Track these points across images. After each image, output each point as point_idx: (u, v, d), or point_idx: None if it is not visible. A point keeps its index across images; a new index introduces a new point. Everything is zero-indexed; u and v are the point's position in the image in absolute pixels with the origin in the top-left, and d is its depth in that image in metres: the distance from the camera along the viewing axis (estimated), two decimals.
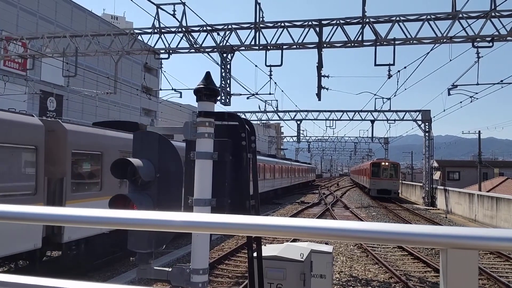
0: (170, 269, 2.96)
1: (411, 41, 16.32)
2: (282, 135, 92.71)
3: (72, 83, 23.56)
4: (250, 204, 3.20)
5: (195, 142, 3.00)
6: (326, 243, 8.02)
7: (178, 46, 18.83)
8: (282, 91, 28.65)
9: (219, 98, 17.79)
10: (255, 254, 3.37)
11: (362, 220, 23.09)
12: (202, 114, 2.96)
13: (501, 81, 18.58)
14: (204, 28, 18.32)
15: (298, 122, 42.45)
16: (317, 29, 17.10)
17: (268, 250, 5.62)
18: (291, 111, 40.60)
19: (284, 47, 17.70)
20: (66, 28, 35.73)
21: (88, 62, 36.36)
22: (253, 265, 3.29)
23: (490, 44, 15.66)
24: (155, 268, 3.05)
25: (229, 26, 18.23)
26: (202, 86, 2.99)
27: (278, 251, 5.51)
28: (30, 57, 22.96)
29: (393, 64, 16.49)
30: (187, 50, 18.97)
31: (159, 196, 3.04)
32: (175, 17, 17.14)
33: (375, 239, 1.27)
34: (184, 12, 17.58)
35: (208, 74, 3.08)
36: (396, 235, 1.21)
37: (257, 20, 17.56)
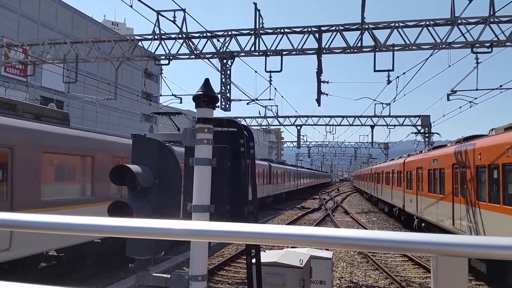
0: (169, 276, 2.96)
1: (410, 47, 16.35)
2: (282, 141, 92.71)
3: (72, 89, 23.60)
4: (249, 210, 3.20)
5: (194, 148, 3.00)
6: (326, 249, 8.00)
7: (179, 52, 18.88)
8: (282, 96, 28.68)
9: (218, 104, 17.84)
10: (254, 261, 3.37)
11: (364, 227, 23.05)
12: (201, 120, 2.97)
13: (501, 86, 18.59)
14: (204, 35, 18.37)
15: (298, 128, 42.51)
16: (317, 35, 17.15)
17: (267, 256, 5.60)
18: (291, 116, 40.67)
19: (284, 53, 17.73)
20: (66, 34, 35.87)
21: (88, 68, 36.46)
22: (252, 271, 3.29)
23: (489, 49, 15.68)
24: (154, 274, 3.05)
25: (229, 33, 18.28)
26: (201, 92, 3.00)
27: (277, 257, 5.50)
28: (31, 63, 23.01)
29: (392, 70, 16.52)
30: (187, 56, 19.02)
31: (158, 203, 3.04)
32: (175, 24, 17.20)
33: (366, 246, 1.28)
34: (184, 19, 17.64)
35: (207, 81, 3.09)
36: (386, 242, 1.22)
37: (257, 27, 17.61)
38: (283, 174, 42.50)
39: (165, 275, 3.01)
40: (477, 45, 15.69)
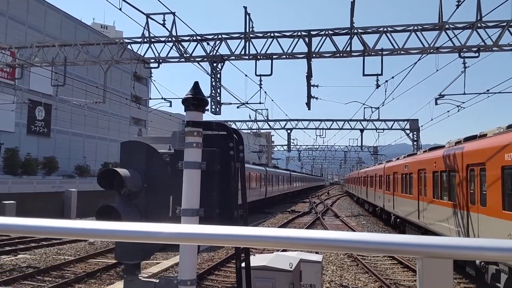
0: (157, 280, 2.93)
1: (398, 52, 16.51)
2: (272, 144, 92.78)
3: (61, 92, 23.40)
4: (238, 214, 3.19)
5: (183, 151, 2.98)
6: (317, 252, 8.01)
7: (168, 56, 18.84)
8: (272, 100, 28.74)
9: (208, 107, 17.83)
10: (243, 265, 3.35)
11: (353, 230, 23.14)
12: (190, 124, 2.95)
13: (487, 90, 18.83)
14: (194, 38, 18.36)
15: (289, 131, 42.61)
16: (306, 39, 17.24)
17: (257, 260, 5.59)
18: (281, 120, 40.76)
19: (274, 57, 17.80)
20: (55, 37, 35.58)
21: (77, 71, 36.20)
22: (241, 275, 3.27)
23: (476, 54, 15.90)
24: (142, 279, 3.02)
25: (219, 36, 18.30)
26: (190, 96, 2.99)
27: (267, 261, 5.48)
28: (19, 66, 22.80)
29: (381, 74, 16.67)
30: (177, 60, 18.99)
31: (146, 207, 3.02)
32: (165, 27, 17.17)
33: (352, 248, 1.29)
34: (174, 22, 17.61)
35: (196, 84, 3.08)
36: (372, 244, 1.23)
37: (247, 30, 17.66)
38: (296, 178, 63.36)
39: (154, 280, 2.98)
40: (464, 49, 15.90)
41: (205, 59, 18.51)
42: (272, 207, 38.51)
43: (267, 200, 38.67)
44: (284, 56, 17.84)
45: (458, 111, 21.57)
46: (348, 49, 16.75)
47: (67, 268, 13.02)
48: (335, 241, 1.26)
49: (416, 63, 16.18)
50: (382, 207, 25.89)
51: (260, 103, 22.02)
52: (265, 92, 21.65)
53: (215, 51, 18.30)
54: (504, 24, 15.30)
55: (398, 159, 23.42)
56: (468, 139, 12.08)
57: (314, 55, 17.27)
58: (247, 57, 17.97)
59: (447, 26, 15.77)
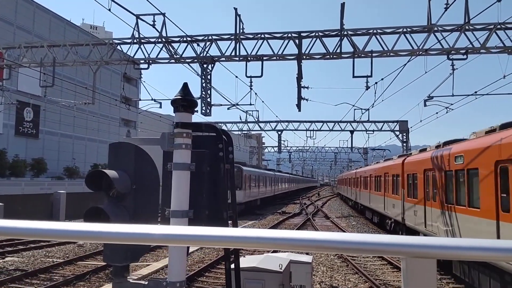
0: (146, 282, 2.92)
1: (388, 54, 16.64)
2: (263, 146, 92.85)
3: (49, 93, 23.18)
4: (228, 215, 3.20)
5: (172, 153, 2.98)
6: (307, 253, 8.03)
7: (158, 57, 18.77)
8: (263, 101, 28.78)
9: (198, 109, 17.79)
10: (233, 266, 3.35)
11: (343, 231, 23.23)
12: (179, 125, 2.95)
13: (475, 92, 19.04)
14: (184, 39, 18.32)
15: (279, 133, 42.71)
16: (297, 41, 17.30)
17: (246, 261, 5.59)
18: (272, 121, 40.83)
19: (264, 58, 17.83)
20: (44, 38, 35.24)
21: (66, 72, 35.88)
22: (231, 277, 3.27)
23: (465, 56, 16.09)
24: (131, 281, 3.00)
25: (209, 37, 18.28)
26: (179, 97, 2.98)
27: (256, 262, 5.48)
28: (7, 67, 22.53)
29: (371, 76, 16.77)
30: (167, 61, 18.92)
31: (135, 208, 3.00)
32: (155, 28, 17.12)
33: (337, 248, 1.30)
34: (164, 23, 17.57)
35: (185, 85, 3.07)
36: (357, 244, 1.25)
37: (238, 32, 17.67)
38: (294, 179, 76.49)
39: (143, 282, 2.97)
40: (452, 52, 16.07)
41: (195, 60, 18.48)
42: (263, 209, 38.54)
43: (276, 196, 51.53)
44: (275, 58, 17.88)
45: (447, 112, 21.82)
46: (338, 50, 16.84)
47: (55, 270, 12.89)
48: (320, 242, 1.27)
49: (405, 65, 16.32)
50: (400, 220, 17.77)
51: (250, 104, 22.08)
52: (256, 94, 21.72)
53: (205, 52, 18.28)
54: (492, 27, 15.50)
55: (423, 151, 15.84)
56: None
57: (304, 57, 17.33)
58: (237, 59, 17.98)
59: (435, 29, 15.94)
